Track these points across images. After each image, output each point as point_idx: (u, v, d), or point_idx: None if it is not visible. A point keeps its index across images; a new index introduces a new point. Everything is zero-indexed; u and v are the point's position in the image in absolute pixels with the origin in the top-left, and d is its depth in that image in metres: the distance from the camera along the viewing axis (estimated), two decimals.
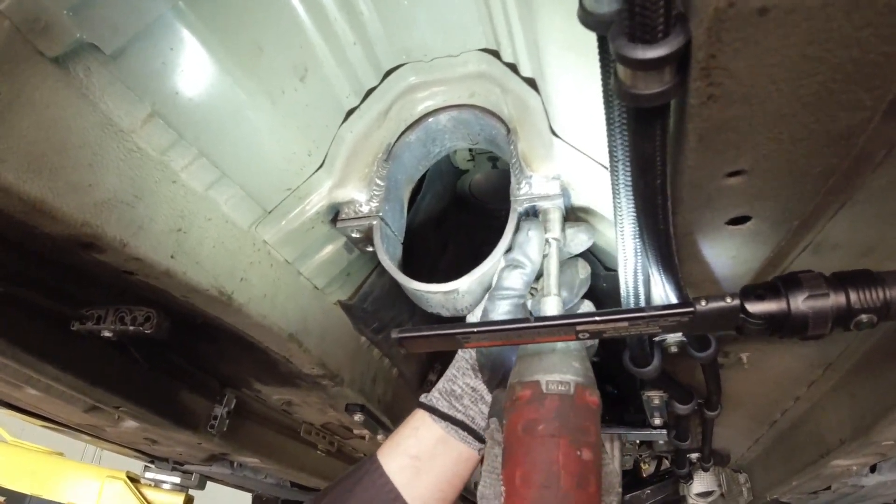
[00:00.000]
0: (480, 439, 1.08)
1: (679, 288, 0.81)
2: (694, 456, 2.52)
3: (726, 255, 0.83)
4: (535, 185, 1.16)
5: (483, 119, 1.31)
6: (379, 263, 1.61)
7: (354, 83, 1.25)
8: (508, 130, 1.23)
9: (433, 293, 1.14)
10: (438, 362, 2.39)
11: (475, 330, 0.84)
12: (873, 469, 2.28)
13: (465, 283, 1.12)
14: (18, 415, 2.05)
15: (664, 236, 0.69)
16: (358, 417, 1.79)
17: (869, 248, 0.93)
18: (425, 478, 1.06)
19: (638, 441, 2.63)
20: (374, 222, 1.25)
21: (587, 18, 0.51)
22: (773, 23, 0.41)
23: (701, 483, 2.98)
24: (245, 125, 1.07)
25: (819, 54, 0.45)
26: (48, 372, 1.36)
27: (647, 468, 3.53)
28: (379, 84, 1.30)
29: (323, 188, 1.25)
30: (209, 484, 3.06)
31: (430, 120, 1.34)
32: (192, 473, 2.77)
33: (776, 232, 0.76)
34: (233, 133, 1.06)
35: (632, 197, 0.70)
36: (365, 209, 1.27)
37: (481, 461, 1.04)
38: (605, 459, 0.97)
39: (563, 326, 0.80)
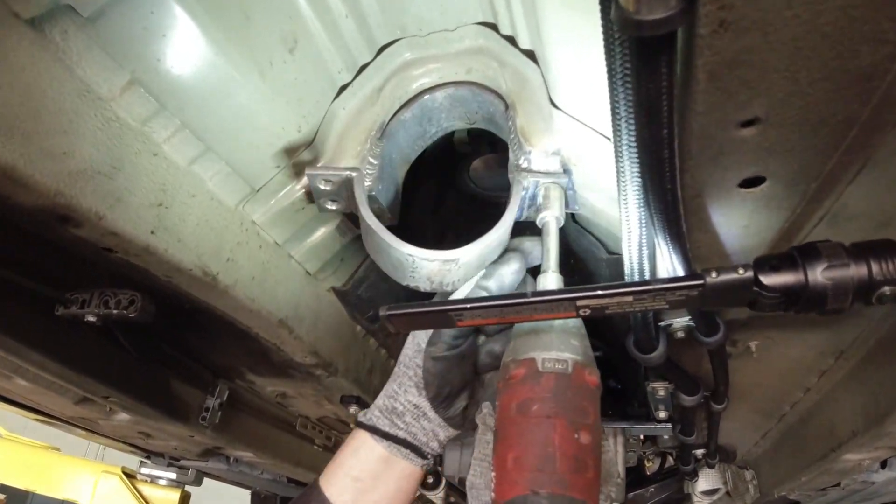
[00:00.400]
0: (423, 455, 1.08)
1: (687, 259, 0.76)
2: (699, 452, 2.47)
3: (738, 224, 0.78)
4: (534, 160, 1.11)
5: (481, 96, 1.26)
6: None
7: (347, 58, 1.21)
8: (506, 106, 1.19)
9: (430, 260, 1.09)
10: None
11: (469, 306, 0.79)
12: (884, 465, 2.23)
13: (468, 254, 1.07)
14: (11, 408, 2.02)
15: (671, 197, 0.64)
16: (353, 410, 1.75)
17: (887, 220, 0.88)
18: (369, 497, 1.05)
19: (642, 437, 2.57)
20: (354, 174, 1.17)
21: None
22: None
23: (706, 481, 2.92)
24: (231, 97, 1.02)
25: None
26: (33, 358, 1.32)
27: (651, 465, 3.46)
28: (373, 59, 1.25)
29: (314, 166, 1.21)
30: (214, 483, 3.03)
31: (426, 97, 1.29)
32: (188, 469, 2.73)
33: (791, 196, 0.71)
34: (218, 105, 1.02)
35: (636, 158, 0.65)
36: None
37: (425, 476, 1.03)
38: (605, 447, 0.92)
39: (563, 301, 0.76)
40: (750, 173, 0.65)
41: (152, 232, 0.93)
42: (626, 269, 0.90)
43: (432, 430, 1.07)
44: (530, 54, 1.12)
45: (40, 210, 0.83)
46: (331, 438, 2.30)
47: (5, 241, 1.06)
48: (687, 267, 0.78)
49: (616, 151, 0.69)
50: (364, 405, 1.79)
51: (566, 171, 1.11)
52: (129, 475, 3.19)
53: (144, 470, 2.87)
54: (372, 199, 1.23)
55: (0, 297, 1.22)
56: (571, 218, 1.49)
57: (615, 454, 2.22)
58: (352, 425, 2.15)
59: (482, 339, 1.13)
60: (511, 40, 1.16)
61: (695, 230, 0.77)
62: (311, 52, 1.13)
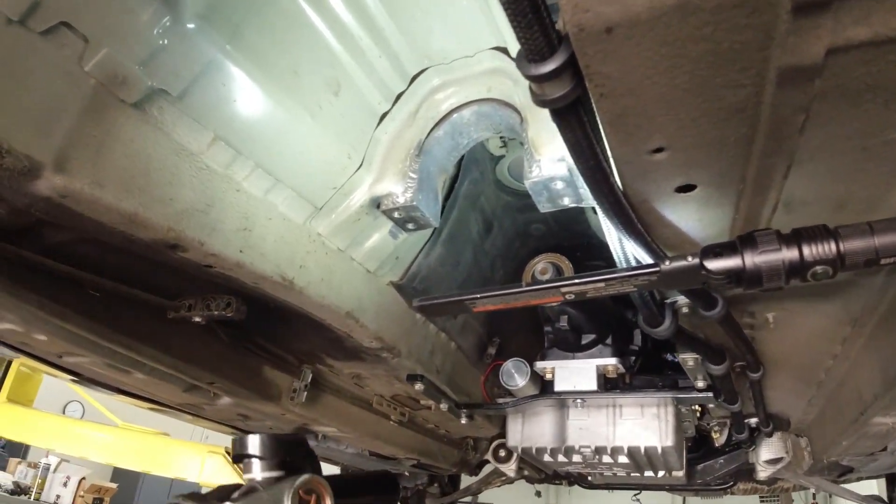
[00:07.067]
0: None
1: (650, 249, 0.94)
2: (753, 421, 2.56)
3: (692, 218, 0.94)
4: (544, 167, 1.30)
5: (501, 110, 1.46)
6: (424, 245, 1.79)
7: (384, 90, 1.44)
8: (521, 119, 1.38)
9: None
10: (497, 336, 2.56)
11: (479, 296, 1.00)
12: None
13: None
14: (128, 399, 2.39)
15: (617, 206, 0.82)
16: (418, 387, 1.99)
17: (840, 204, 1.01)
18: None
19: (697, 408, 2.69)
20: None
21: None
22: (622, 36, 0.55)
23: (769, 450, 3.00)
24: (290, 138, 1.28)
25: (675, 52, 0.58)
26: (149, 354, 1.63)
27: (719, 438, 3.54)
28: (407, 88, 1.48)
29: (364, 185, 1.45)
30: None
31: (455, 116, 1.50)
32: None
33: (726, 195, 0.87)
34: (281, 146, 1.27)
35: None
36: (401, 200, 1.45)
37: None
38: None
39: (551, 289, 0.95)
40: (679, 182, 0.82)
41: (241, 251, 1.20)
42: (615, 259, 1.08)
43: None
44: None
45: (156, 241, 1.11)
46: (405, 415, 2.56)
47: (123, 263, 1.36)
48: (652, 255, 0.95)
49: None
50: (428, 382, 2.03)
51: (572, 173, 1.28)
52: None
53: None
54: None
55: (121, 307, 1.53)
56: (593, 211, 1.66)
57: (666, 423, 2.37)
58: (421, 401, 2.40)
59: None
60: None
61: (657, 226, 0.94)
62: (352, 92, 1.37)
